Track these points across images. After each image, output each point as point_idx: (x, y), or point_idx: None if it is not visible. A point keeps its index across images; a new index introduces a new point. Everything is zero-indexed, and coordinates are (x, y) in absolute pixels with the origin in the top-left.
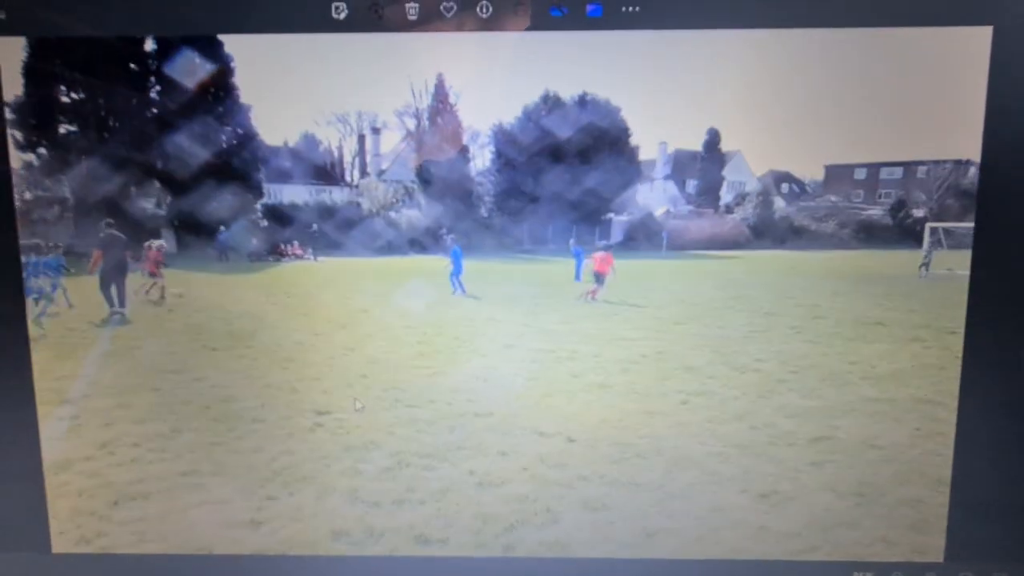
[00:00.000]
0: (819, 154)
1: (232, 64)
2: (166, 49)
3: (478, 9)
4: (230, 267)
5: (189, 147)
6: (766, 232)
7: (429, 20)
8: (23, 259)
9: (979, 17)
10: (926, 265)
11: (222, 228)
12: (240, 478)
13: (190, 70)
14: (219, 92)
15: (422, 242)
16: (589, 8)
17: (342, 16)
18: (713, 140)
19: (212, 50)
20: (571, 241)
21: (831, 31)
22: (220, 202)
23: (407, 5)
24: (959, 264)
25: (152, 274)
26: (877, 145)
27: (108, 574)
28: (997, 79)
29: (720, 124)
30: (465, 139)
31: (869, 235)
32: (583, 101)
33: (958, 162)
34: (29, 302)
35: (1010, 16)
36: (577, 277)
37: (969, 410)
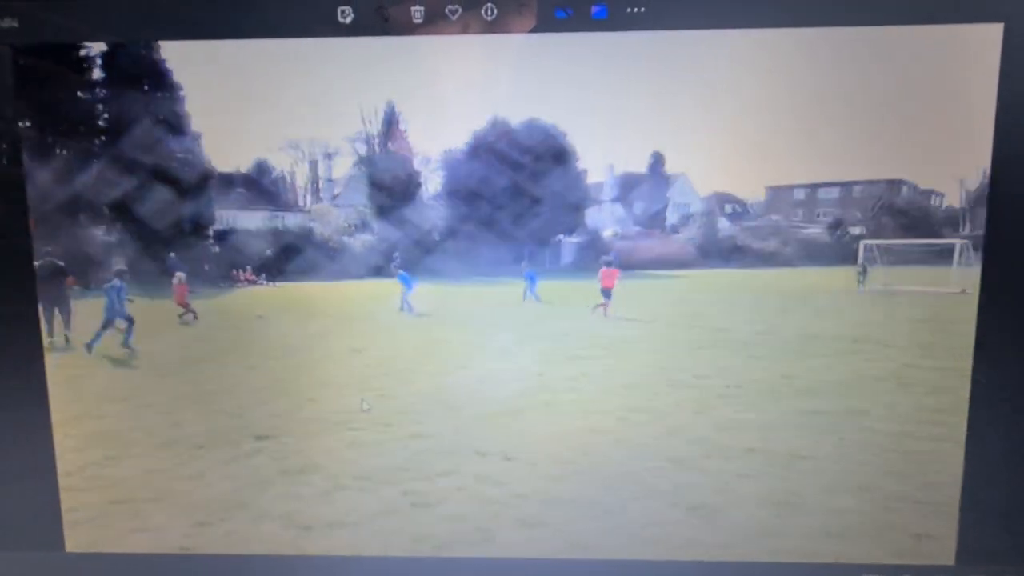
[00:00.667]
0: (763, 175)
1: (181, 93)
2: (115, 76)
3: (483, 12)
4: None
5: (137, 173)
6: (711, 251)
7: (434, 23)
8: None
9: (988, 13)
10: (862, 281)
11: (172, 255)
12: (177, 503)
13: (139, 99)
14: (169, 119)
15: (377, 266)
16: (594, 9)
17: (348, 20)
18: (658, 163)
19: (161, 78)
20: (523, 264)
21: (798, 50)
22: (170, 229)
23: (412, 8)
24: (895, 280)
25: (182, 305)
26: (858, 164)
27: (122, 574)
28: (1008, 81)
29: (664, 148)
30: (416, 164)
31: (809, 253)
32: (530, 126)
33: (891, 181)
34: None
35: None
36: (527, 296)
37: (980, 411)
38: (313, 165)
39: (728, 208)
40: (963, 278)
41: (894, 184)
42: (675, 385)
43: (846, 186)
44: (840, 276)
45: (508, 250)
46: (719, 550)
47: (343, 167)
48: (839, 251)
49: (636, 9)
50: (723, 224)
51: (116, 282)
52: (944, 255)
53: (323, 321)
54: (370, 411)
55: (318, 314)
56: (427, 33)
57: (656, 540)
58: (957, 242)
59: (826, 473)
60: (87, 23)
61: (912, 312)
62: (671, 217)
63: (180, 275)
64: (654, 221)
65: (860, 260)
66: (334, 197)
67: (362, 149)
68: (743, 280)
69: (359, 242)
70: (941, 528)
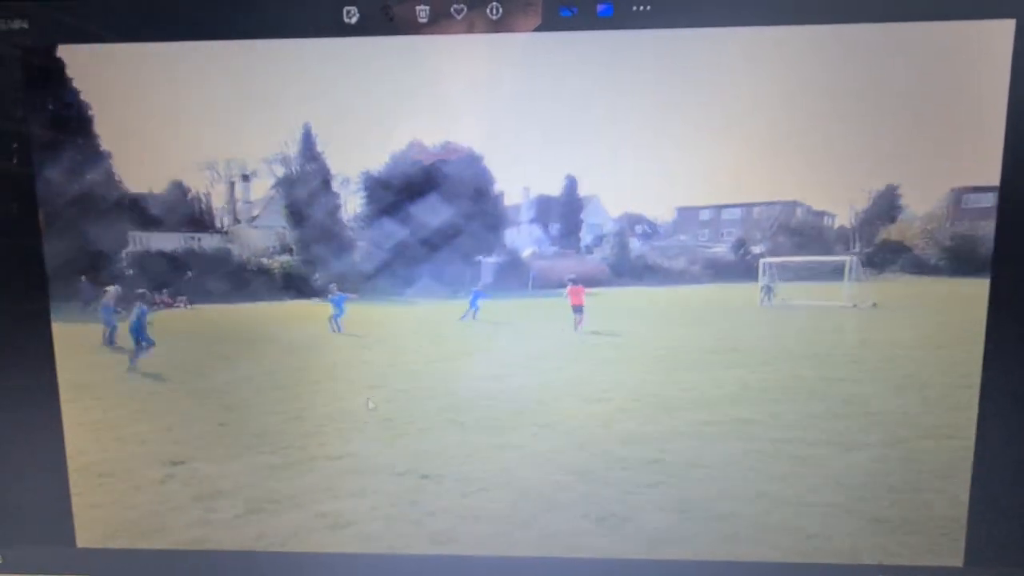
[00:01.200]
0: (672, 197)
1: (91, 112)
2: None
3: (488, 11)
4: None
5: (47, 195)
6: (624, 270)
7: (439, 22)
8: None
9: (999, 9)
10: (767, 294)
11: (83, 278)
12: (87, 533)
13: (46, 119)
14: (77, 139)
15: (297, 287)
16: (600, 8)
17: (354, 20)
18: (571, 186)
19: (68, 96)
20: (479, 285)
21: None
22: (80, 252)
23: (417, 8)
24: (792, 295)
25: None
26: (758, 187)
27: (133, 568)
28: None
29: (577, 171)
30: (335, 185)
31: (715, 271)
32: (447, 148)
33: (787, 203)
34: None
35: None
36: (467, 315)
37: (989, 411)
38: (230, 186)
39: (639, 228)
40: (853, 293)
41: (790, 206)
42: (585, 400)
43: (747, 207)
44: (742, 292)
45: (429, 270)
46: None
47: (261, 189)
48: (742, 269)
49: (642, 7)
50: (634, 244)
51: (140, 305)
52: (836, 271)
53: (235, 344)
54: (376, 409)
55: (231, 336)
56: (432, 33)
57: (566, 552)
58: (847, 259)
59: (718, 481)
60: (96, 25)
61: (802, 325)
62: (585, 238)
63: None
64: (569, 242)
65: (767, 279)
66: (252, 219)
67: (280, 171)
68: (651, 297)
69: (279, 263)
70: (829, 528)
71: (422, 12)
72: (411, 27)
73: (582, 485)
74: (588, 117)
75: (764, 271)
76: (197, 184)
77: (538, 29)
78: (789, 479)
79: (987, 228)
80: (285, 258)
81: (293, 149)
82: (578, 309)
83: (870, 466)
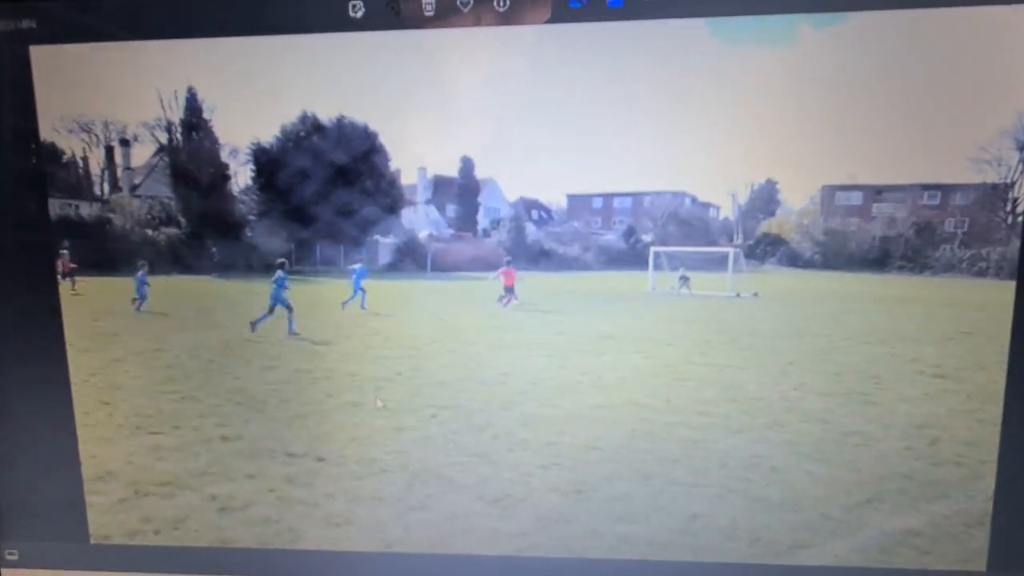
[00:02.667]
0: (564, 183)
1: None
2: None
3: (495, 2)
4: None
5: None
6: (520, 254)
7: (446, 15)
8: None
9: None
10: (684, 282)
11: None
12: None
13: None
14: None
15: (186, 261)
16: None
17: (359, 15)
18: (467, 167)
19: None
20: (359, 263)
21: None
22: None
23: (424, 1)
24: (681, 285)
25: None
26: (649, 176)
27: (145, 564)
28: None
29: (473, 152)
30: (224, 156)
31: (608, 258)
32: (341, 124)
33: (675, 194)
34: None
35: None
36: (353, 298)
37: (1015, 415)
38: (109, 151)
39: (535, 214)
40: (737, 283)
41: (678, 196)
42: (484, 383)
43: (637, 196)
44: (633, 280)
45: (323, 249)
46: (518, 539)
47: (143, 156)
48: (633, 257)
49: None
50: (530, 229)
51: (279, 272)
52: (722, 262)
53: (121, 319)
54: (384, 407)
55: (116, 312)
56: (439, 26)
57: (461, 532)
58: (730, 250)
59: (612, 462)
60: (104, 23)
61: (691, 314)
62: (482, 221)
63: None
64: (466, 224)
65: (683, 270)
66: (134, 187)
67: (163, 137)
68: (548, 283)
69: (164, 236)
70: (714, 507)
71: (428, 5)
72: (418, 21)
73: (480, 467)
74: (484, 100)
75: (654, 259)
76: (73, 147)
77: (548, 21)
78: (680, 461)
79: (856, 224)
80: (172, 230)
81: (176, 115)
82: (509, 290)
83: (754, 448)
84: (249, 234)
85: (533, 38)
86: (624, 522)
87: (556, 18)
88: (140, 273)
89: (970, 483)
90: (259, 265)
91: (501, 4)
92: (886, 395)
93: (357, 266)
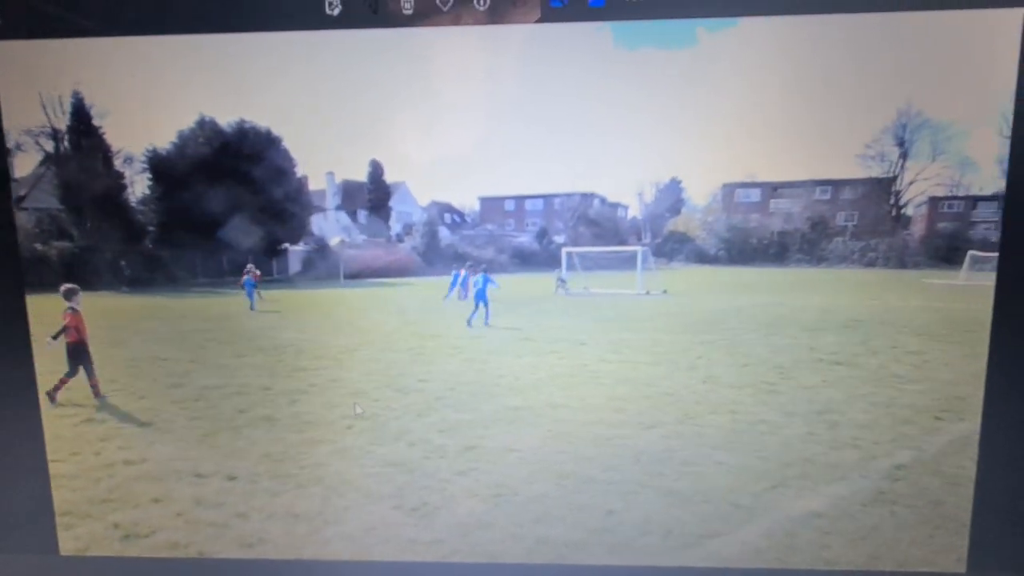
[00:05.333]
0: (476, 187)
1: None
2: None
3: (476, 1)
4: None
5: None
6: (434, 259)
7: (426, 14)
8: None
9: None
10: (562, 284)
11: None
12: None
13: None
14: None
15: (82, 276)
16: None
17: (336, 12)
18: (377, 172)
19: None
20: (248, 273)
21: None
22: None
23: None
24: (593, 284)
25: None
26: (558, 178)
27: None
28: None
29: (382, 156)
30: (117, 164)
31: (522, 260)
32: (242, 130)
33: (584, 195)
34: None
35: None
36: (253, 306)
37: (992, 420)
38: None
39: (448, 218)
40: (646, 282)
41: (587, 197)
42: (402, 390)
43: (548, 198)
44: (546, 282)
45: (230, 259)
46: (437, 547)
47: (28, 165)
48: (547, 258)
49: None
50: (444, 233)
51: (481, 274)
52: (632, 261)
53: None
54: (363, 414)
55: None
56: (418, 25)
57: (378, 543)
58: (639, 249)
59: (530, 464)
60: (71, 18)
61: (602, 313)
62: (395, 226)
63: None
64: (379, 230)
65: (560, 272)
66: (20, 200)
67: (49, 145)
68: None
69: (56, 250)
70: (627, 503)
71: (407, 4)
72: (396, 19)
73: (398, 476)
74: (392, 104)
75: (566, 260)
76: None
77: (525, 21)
78: (595, 458)
79: (756, 220)
80: (65, 244)
81: (62, 122)
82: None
83: (666, 443)
84: (151, 246)
85: (445, 44)
86: (542, 523)
87: (535, 18)
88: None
89: (866, 464)
90: (162, 278)
91: (481, 3)
92: (789, 383)
93: (465, 274)
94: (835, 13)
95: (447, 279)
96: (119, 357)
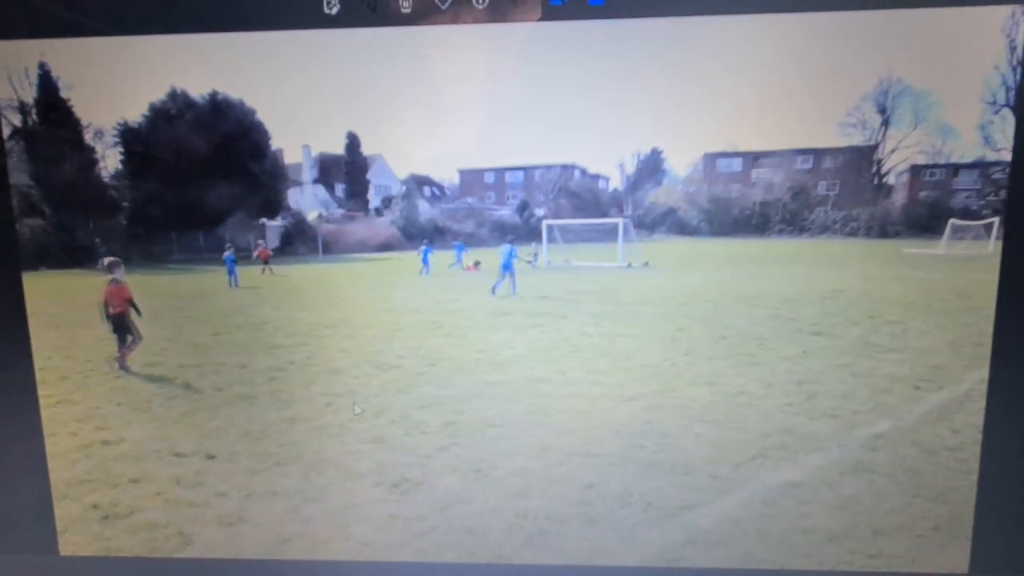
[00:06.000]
0: (455, 159)
1: None
2: None
3: (474, 1)
4: None
5: None
6: (415, 233)
7: (424, 12)
8: None
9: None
10: (534, 257)
11: None
12: None
13: None
14: None
15: (54, 256)
16: None
17: (334, 11)
18: (354, 144)
19: None
20: (228, 248)
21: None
22: None
23: None
24: (574, 256)
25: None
26: (539, 149)
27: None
28: None
29: (358, 128)
30: (88, 138)
31: (503, 233)
32: (215, 101)
33: (565, 166)
34: None
35: None
36: (232, 284)
37: (996, 419)
38: None
39: (427, 191)
40: (627, 254)
41: (568, 169)
42: (381, 367)
43: (528, 170)
44: (526, 253)
45: (207, 235)
46: (417, 523)
47: None
48: (527, 231)
49: None
50: (423, 206)
51: (507, 246)
52: (613, 232)
53: None
54: (363, 414)
55: None
56: (416, 23)
57: (358, 520)
58: (620, 221)
59: (510, 439)
60: (67, 17)
61: (584, 286)
62: (374, 200)
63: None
64: (357, 204)
65: (544, 239)
66: None
67: (16, 118)
68: (443, 260)
69: (28, 227)
70: (608, 476)
71: (405, 2)
72: (393, 18)
73: (378, 452)
74: (367, 75)
75: (547, 232)
76: None
77: (523, 20)
78: (575, 432)
79: (737, 191)
80: (36, 221)
81: (30, 94)
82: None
83: (646, 415)
84: (125, 222)
85: (426, 22)
86: (522, 497)
87: (531, 17)
88: None
89: (844, 434)
90: (137, 255)
91: (480, 2)
92: (768, 355)
93: (427, 248)
94: None
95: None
96: (94, 337)
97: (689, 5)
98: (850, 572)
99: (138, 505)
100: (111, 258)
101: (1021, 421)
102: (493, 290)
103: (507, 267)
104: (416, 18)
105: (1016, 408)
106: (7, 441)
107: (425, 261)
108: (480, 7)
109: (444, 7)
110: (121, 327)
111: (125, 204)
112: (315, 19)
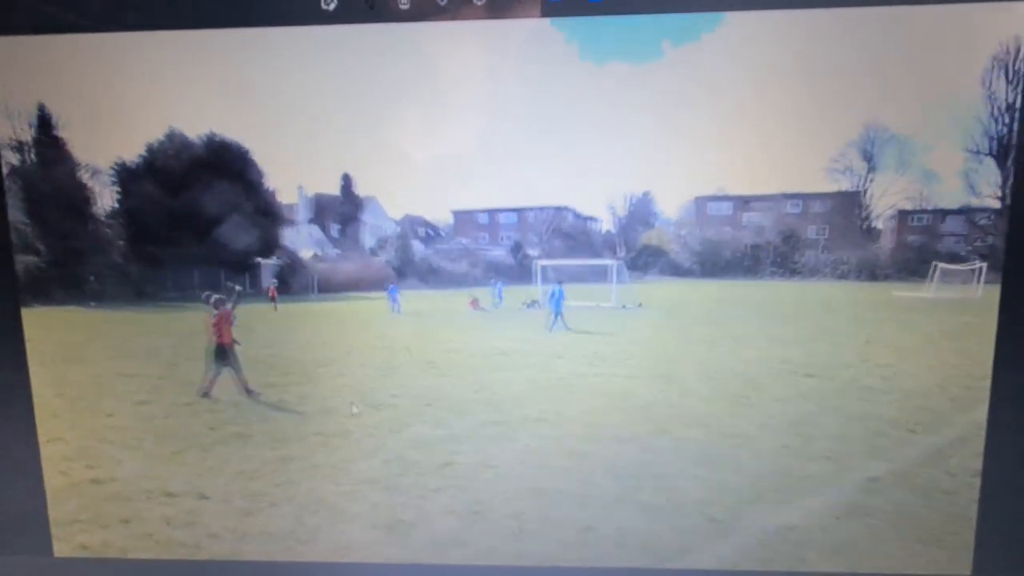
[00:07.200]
0: (448, 200)
1: None
2: None
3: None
4: None
5: None
6: (409, 273)
7: (423, 9)
8: None
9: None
10: (535, 301)
11: None
12: None
13: None
14: None
15: (46, 292)
16: None
17: (332, 8)
18: (348, 185)
19: None
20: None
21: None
22: None
23: None
24: (569, 297)
25: None
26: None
27: None
28: None
29: (352, 169)
30: (85, 177)
31: (497, 273)
32: (211, 141)
33: (558, 208)
34: None
35: None
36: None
37: (1000, 423)
38: None
39: (421, 231)
40: (621, 295)
41: (560, 211)
42: (374, 406)
43: (521, 212)
44: (523, 294)
45: (202, 273)
46: (413, 568)
47: None
48: (520, 271)
49: None
50: (417, 247)
51: (556, 286)
52: (606, 274)
53: None
54: (360, 414)
55: None
56: (415, 20)
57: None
58: (612, 263)
59: (507, 479)
60: (49, 12)
61: (579, 326)
62: (368, 240)
63: None
64: (351, 243)
65: (538, 280)
66: None
67: (14, 157)
68: (436, 300)
69: (23, 264)
70: (602, 519)
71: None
72: (392, 15)
73: (372, 493)
74: (360, 114)
75: (541, 273)
76: None
77: (524, 16)
78: (571, 473)
79: (728, 234)
80: (31, 258)
81: (27, 133)
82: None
83: (641, 456)
84: (120, 260)
85: (409, 47)
86: (519, 540)
87: (531, 13)
88: None
89: (840, 476)
90: (130, 293)
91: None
92: (762, 396)
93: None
94: (811, 8)
95: (423, 292)
96: (85, 374)
97: (680, 2)
98: (850, 573)
99: (129, 546)
100: (216, 295)
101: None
102: (551, 328)
103: (557, 306)
104: (414, 15)
105: (1017, 416)
106: (2, 445)
107: (394, 299)
108: (479, 3)
109: (443, 3)
110: (222, 356)
111: (120, 242)
112: (314, 16)
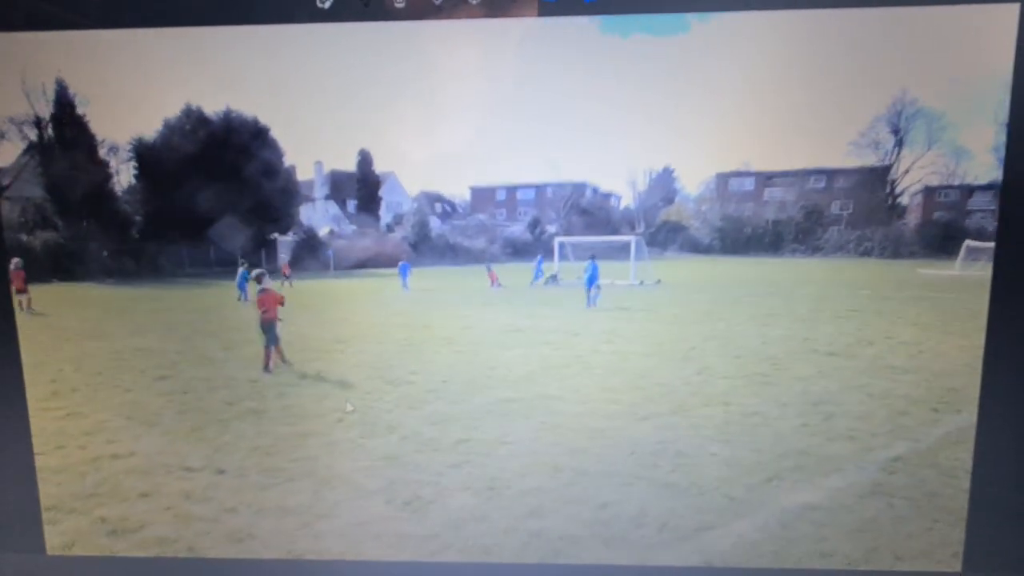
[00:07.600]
0: (466, 176)
1: None
2: None
3: None
4: None
5: None
6: (425, 249)
7: (417, 7)
8: None
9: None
10: (553, 277)
11: None
12: None
13: None
14: None
15: (67, 267)
16: None
17: (327, 5)
18: (366, 161)
19: None
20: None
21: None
22: None
23: None
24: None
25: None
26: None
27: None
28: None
29: (370, 146)
30: (102, 152)
31: (515, 250)
32: (228, 118)
33: (576, 184)
34: None
35: None
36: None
37: (988, 420)
38: None
39: (438, 207)
40: (640, 271)
41: (579, 186)
42: (392, 383)
43: (540, 188)
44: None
45: (218, 249)
46: (429, 542)
47: (11, 154)
48: (539, 248)
49: None
50: (434, 223)
51: (591, 263)
52: (625, 250)
53: None
54: (354, 412)
55: None
56: (410, 18)
57: (372, 537)
58: (632, 238)
59: (523, 456)
60: (60, 12)
61: (597, 303)
62: (385, 216)
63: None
64: (368, 220)
65: (556, 257)
66: (2, 189)
67: (32, 133)
68: (453, 276)
69: (41, 240)
70: (622, 495)
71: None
72: (387, 13)
73: (389, 470)
74: (380, 92)
75: (559, 250)
76: None
77: (519, 15)
78: (589, 451)
79: (750, 209)
80: (50, 234)
81: (46, 110)
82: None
83: (660, 434)
84: (137, 236)
85: (438, 36)
86: (536, 517)
87: (526, 11)
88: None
89: (862, 456)
90: (148, 269)
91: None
92: (783, 375)
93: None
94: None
95: (440, 269)
96: (104, 350)
97: (675, 1)
98: (850, 572)
99: (147, 520)
100: (258, 270)
101: (1014, 421)
102: (591, 302)
103: (592, 282)
104: (409, 13)
105: (1008, 408)
106: None
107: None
108: (474, 2)
109: (438, 2)
110: (269, 331)
111: (137, 218)
112: (309, 13)
